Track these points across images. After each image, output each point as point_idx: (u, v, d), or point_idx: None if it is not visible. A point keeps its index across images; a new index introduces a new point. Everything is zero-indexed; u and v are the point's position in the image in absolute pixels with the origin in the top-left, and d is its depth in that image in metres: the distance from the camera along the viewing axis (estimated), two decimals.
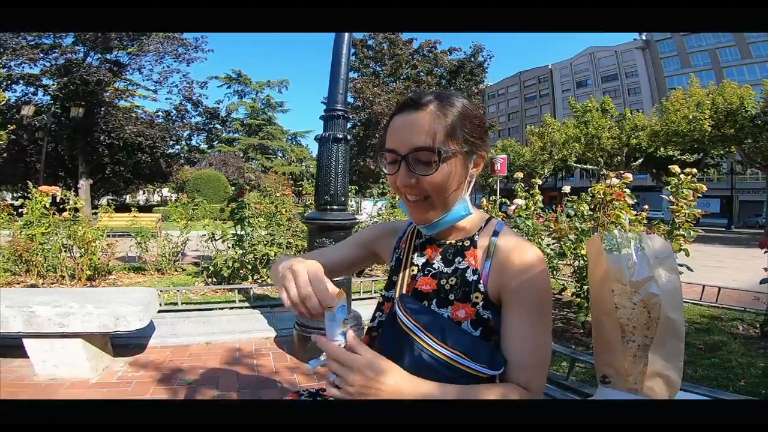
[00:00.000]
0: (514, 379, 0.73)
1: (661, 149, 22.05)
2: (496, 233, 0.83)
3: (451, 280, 0.81)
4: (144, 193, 34.37)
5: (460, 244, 0.84)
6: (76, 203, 4.61)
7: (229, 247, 4.70)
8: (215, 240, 4.73)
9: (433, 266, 0.85)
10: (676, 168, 3.34)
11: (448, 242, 0.86)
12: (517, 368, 0.73)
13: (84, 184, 19.01)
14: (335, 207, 2.69)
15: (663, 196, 3.43)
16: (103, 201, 24.76)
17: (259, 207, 4.65)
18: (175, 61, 21.22)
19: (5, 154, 16.97)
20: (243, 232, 4.49)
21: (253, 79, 40.60)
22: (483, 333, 0.77)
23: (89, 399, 2.14)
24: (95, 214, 6.66)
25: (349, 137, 2.83)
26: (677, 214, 3.11)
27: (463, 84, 25.04)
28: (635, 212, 3.38)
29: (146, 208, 22.45)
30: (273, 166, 34.57)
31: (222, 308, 3.63)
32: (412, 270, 0.88)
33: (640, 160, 25.03)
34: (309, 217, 2.84)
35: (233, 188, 4.64)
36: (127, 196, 30.92)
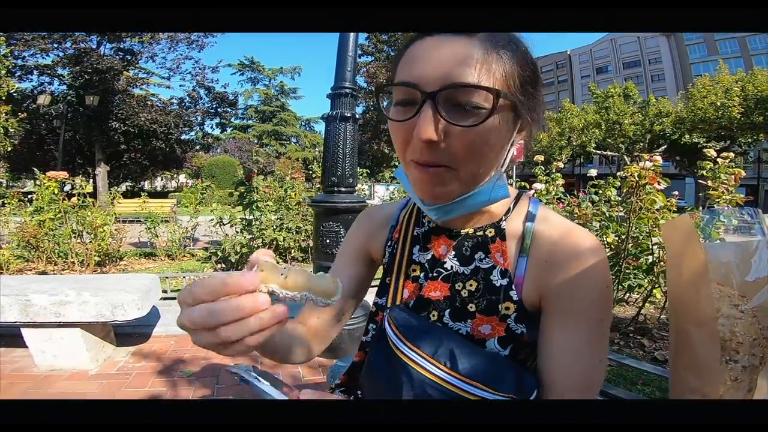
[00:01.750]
0: None
1: (686, 136, 21.36)
2: (531, 217, 0.61)
3: (470, 285, 0.60)
4: (161, 180, 34.99)
5: (482, 234, 0.62)
6: (83, 188, 4.56)
7: (237, 232, 4.59)
8: (224, 225, 4.62)
9: (444, 265, 0.63)
10: (711, 152, 3.08)
11: (464, 231, 0.63)
12: (560, 395, 0.54)
13: (101, 170, 19.41)
14: (343, 189, 2.54)
15: (703, 179, 3.14)
16: (122, 187, 25.41)
17: (268, 191, 4.51)
18: (187, 48, 21.22)
19: (22, 142, 17.46)
20: (251, 217, 4.37)
21: (266, 66, 40.90)
22: (513, 351, 0.57)
23: (88, 399, 2.08)
24: (113, 200, 6.67)
25: (357, 116, 2.66)
26: (716, 200, 2.84)
27: None
28: (666, 198, 3.14)
29: (162, 194, 22.81)
30: (287, 151, 34.93)
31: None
32: (413, 270, 0.66)
33: (663, 147, 24.18)
34: (316, 200, 2.69)
35: (242, 173, 4.49)
36: (145, 183, 31.59)
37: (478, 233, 0.62)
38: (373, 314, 0.71)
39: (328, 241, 2.61)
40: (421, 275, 0.65)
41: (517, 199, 0.64)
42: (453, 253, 0.63)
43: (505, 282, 0.58)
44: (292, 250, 4.75)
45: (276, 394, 0.50)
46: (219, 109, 24.08)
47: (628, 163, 3.00)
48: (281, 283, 0.39)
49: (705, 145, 19.99)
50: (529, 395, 0.52)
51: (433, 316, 0.62)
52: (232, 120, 32.80)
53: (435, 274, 0.64)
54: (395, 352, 0.56)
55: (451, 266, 0.63)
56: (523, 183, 4.54)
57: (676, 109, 21.96)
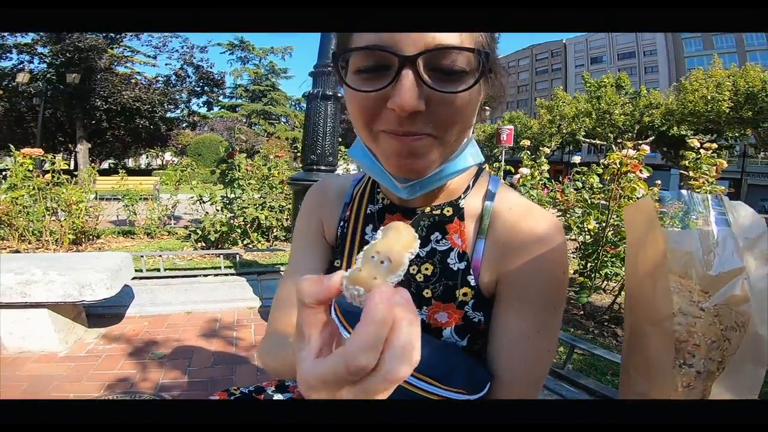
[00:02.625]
0: (502, 397, 0.52)
1: (675, 128, 21.63)
2: (491, 195, 0.57)
3: (426, 269, 0.56)
4: (146, 157, 34.39)
5: (439, 213, 0.57)
6: (58, 165, 4.39)
7: (217, 211, 4.49)
8: (203, 203, 4.51)
9: None
10: (695, 141, 3.08)
11: (421, 209, 0.58)
12: (508, 385, 0.52)
13: (82, 148, 19.22)
14: (322, 167, 2.48)
15: (683, 171, 3.15)
16: (105, 165, 25.01)
17: (251, 169, 4.40)
18: None
19: (1, 120, 17.04)
20: (233, 195, 4.26)
21: (257, 46, 40.20)
22: (471, 341, 0.54)
23: (78, 399, 2.00)
24: (91, 177, 6.48)
25: (339, 95, 2.58)
26: (697, 190, 2.84)
27: None
28: (649, 186, 3.14)
29: (147, 172, 22.47)
30: (276, 131, 34.58)
31: (206, 275, 3.46)
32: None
33: (651, 138, 24.43)
34: (294, 177, 2.63)
35: (223, 150, 4.36)
36: (129, 160, 31.10)
37: (435, 212, 0.57)
38: None
39: None
40: None
41: (477, 176, 0.60)
42: None
43: (462, 266, 0.55)
44: (275, 229, 4.68)
45: None
46: (206, 88, 23.62)
47: (625, 145, 2.97)
48: (393, 271, 0.30)
49: (692, 138, 20.36)
50: (481, 389, 0.50)
51: None
52: (219, 99, 32.22)
53: None
54: (341, 342, 0.50)
55: None
56: (508, 167, 4.51)
57: (667, 101, 22.19)
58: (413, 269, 0.57)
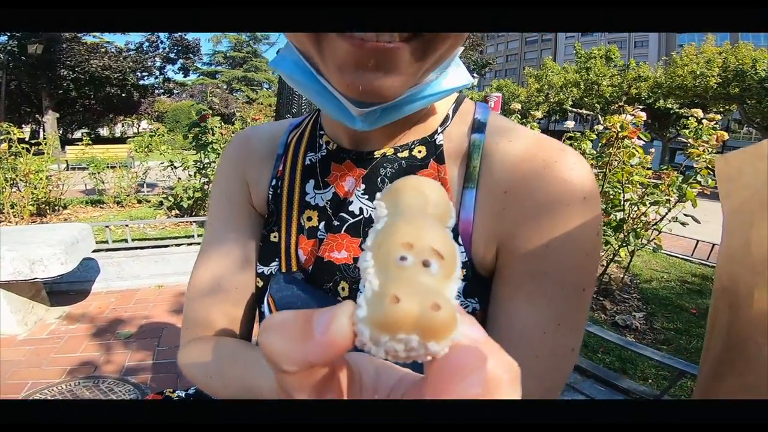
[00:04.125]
0: None
1: (661, 101, 21.87)
2: (479, 125, 0.40)
3: None
4: (122, 126, 33.27)
5: (406, 155, 0.41)
6: (14, 135, 4.04)
7: (190, 176, 4.23)
8: (174, 168, 4.23)
9: (351, 208, 0.41)
10: (698, 112, 2.99)
11: (379, 153, 0.41)
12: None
13: (49, 118, 18.69)
14: None
15: (681, 139, 3.04)
16: (78, 134, 24.30)
17: (226, 133, 4.11)
18: None
19: None
20: (207, 160, 4.00)
21: None
22: None
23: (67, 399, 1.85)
24: (53, 145, 6.08)
25: None
26: (696, 158, 2.75)
27: None
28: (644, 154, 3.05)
29: (122, 140, 21.94)
30: (258, 97, 33.92)
31: (179, 245, 3.24)
32: (308, 218, 0.44)
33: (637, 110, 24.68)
34: None
35: (195, 114, 4.04)
36: (104, 129, 30.23)
37: (400, 154, 0.40)
38: (259, 290, 0.46)
39: None
40: (321, 226, 0.42)
41: (458, 103, 0.42)
42: (363, 187, 0.41)
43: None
44: None
45: None
46: (180, 55, 22.73)
47: (626, 109, 2.83)
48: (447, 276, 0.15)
49: (677, 111, 20.79)
50: None
51: (343, 290, 0.40)
52: (196, 66, 31.03)
53: (338, 223, 0.41)
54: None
55: (361, 209, 0.40)
56: None
57: (655, 74, 22.47)
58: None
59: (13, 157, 4.07)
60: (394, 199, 0.17)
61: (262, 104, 21.32)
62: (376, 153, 0.41)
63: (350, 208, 0.41)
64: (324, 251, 0.41)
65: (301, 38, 0.33)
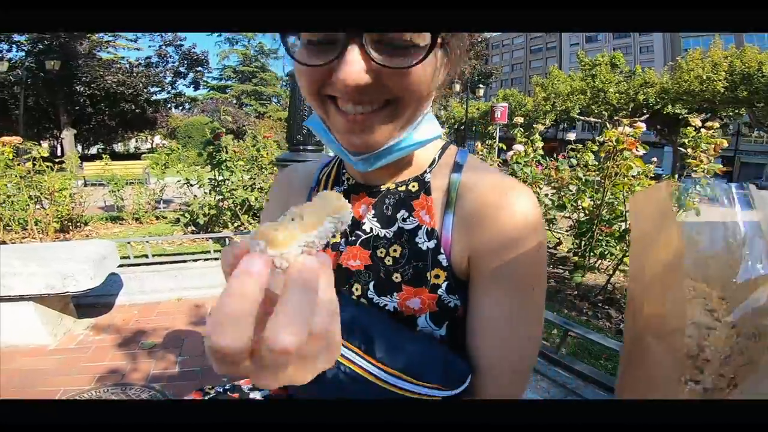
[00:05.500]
0: (483, 390, 0.48)
1: (669, 107, 21.71)
2: (458, 167, 0.53)
3: (394, 250, 0.52)
4: (136, 141, 33.94)
5: (403, 189, 0.54)
6: (39, 153, 4.25)
7: (206, 193, 4.40)
8: (191, 186, 4.41)
9: (363, 228, 0.54)
10: (696, 121, 3.04)
11: (385, 187, 0.54)
12: (489, 375, 0.48)
13: (67, 134, 19.17)
14: (309, 147, 2.42)
15: (683, 149, 3.11)
16: (93, 150, 24.68)
17: (239, 150, 4.28)
18: None
19: None
20: (221, 177, 4.17)
21: None
22: (450, 329, 0.50)
23: (73, 399, 1.96)
24: (75, 163, 6.32)
25: None
26: (695, 168, 2.81)
27: None
28: (645, 164, 3.11)
29: (136, 156, 22.27)
30: (267, 111, 34.29)
31: (196, 260, 3.39)
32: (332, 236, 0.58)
33: (645, 116, 24.48)
34: (280, 158, 2.56)
35: (209, 132, 4.23)
36: (119, 145, 30.76)
37: (399, 188, 0.54)
38: None
39: None
40: (341, 241, 0.55)
41: (443, 149, 0.56)
42: (372, 212, 0.54)
43: (432, 244, 0.50)
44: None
45: None
46: (190, 69, 23.16)
47: (622, 122, 2.93)
48: (304, 230, 0.27)
49: (686, 116, 20.54)
50: (460, 384, 0.46)
51: (356, 290, 0.52)
52: (206, 80, 31.66)
53: (353, 239, 0.54)
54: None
55: (371, 228, 0.53)
56: (500, 144, 4.45)
57: (662, 80, 22.28)
58: (381, 252, 0.52)
59: (37, 175, 4.28)
60: (315, 197, 0.29)
61: (271, 117, 21.72)
62: (382, 187, 0.54)
63: (363, 227, 0.54)
64: (343, 260, 0.54)
65: (316, 108, 0.47)
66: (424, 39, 0.40)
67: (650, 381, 0.37)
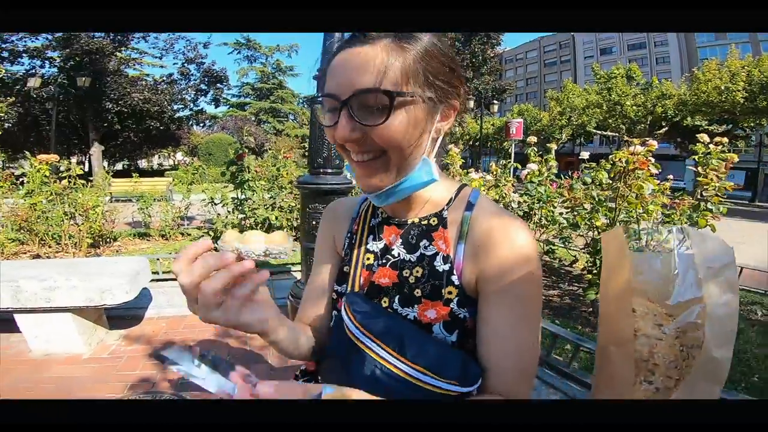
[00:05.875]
0: (492, 388, 0.57)
1: (688, 119, 21.30)
2: (470, 206, 0.65)
3: (416, 271, 0.64)
4: (159, 158, 34.86)
5: (425, 222, 0.66)
6: (74, 171, 4.52)
7: (229, 212, 4.59)
8: (215, 204, 4.61)
9: (393, 253, 0.67)
10: (705, 137, 3.05)
11: (410, 221, 0.68)
12: (496, 375, 0.57)
13: (95, 150, 19.50)
14: (329, 170, 2.52)
15: (689, 167, 3.14)
16: (119, 166, 25.37)
17: (260, 170, 4.48)
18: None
19: (16, 124, 17.33)
20: (243, 196, 4.36)
21: (263, 44, 40.31)
22: (460, 337, 0.61)
23: (80, 399, 2.10)
24: (106, 181, 6.61)
25: None
26: (705, 186, 2.83)
27: (478, 47, 23.95)
28: (658, 182, 3.12)
29: (159, 173, 22.81)
30: (285, 128, 34.82)
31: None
32: (367, 258, 0.70)
33: (664, 129, 24.08)
34: (301, 181, 2.68)
35: (233, 153, 4.44)
36: (143, 161, 31.51)
37: (422, 222, 0.66)
38: (334, 301, 0.75)
39: (314, 222, 2.60)
40: (375, 263, 0.69)
41: (459, 190, 0.68)
42: (400, 241, 0.67)
43: (447, 267, 0.61)
44: (285, 229, 4.76)
45: (213, 386, 0.45)
46: (211, 86, 23.63)
47: (632, 142, 2.98)
48: (241, 240, 0.48)
49: (707, 128, 20.05)
50: (475, 382, 0.56)
51: (384, 302, 0.65)
52: (226, 97, 32.37)
53: (384, 261, 0.67)
54: (349, 336, 0.61)
55: (398, 253, 0.66)
56: (515, 164, 4.52)
57: (680, 91, 21.88)
58: (406, 272, 0.64)
59: (71, 192, 4.53)
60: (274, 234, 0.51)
61: (288, 136, 22.23)
62: (408, 220, 0.67)
63: (392, 252, 0.67)
64: (375, 278, 0.67)
65: (344, 158, 0.63)
66: (384, 103, 0.53)
67: (613, 381, 0.48)
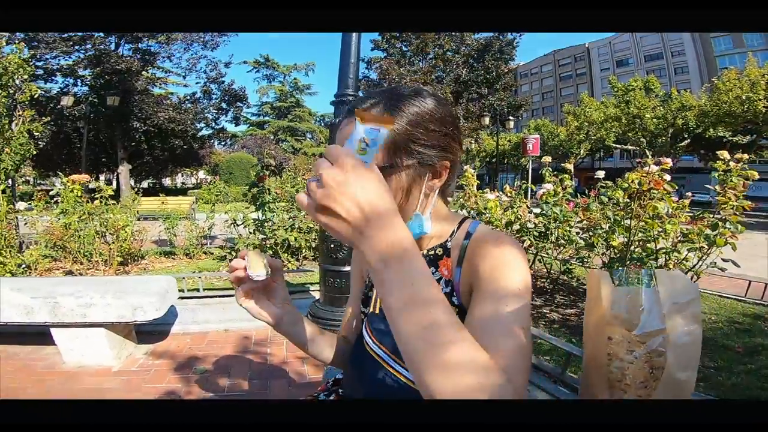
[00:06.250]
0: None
1: (711, 130, 20.80)
2: (468, 236, 0.72)
3: None
4: (181, 176, 35.78)
5: (432, 253, 0.75)
6: (105, 191, 4.78)
7: (250, 233, 4.75)
8: (237, 225, 4.79)
9: None
10: (725, 153, 3.03)
11: (422, 251, 0.77)
12: (493, 354, 0.56)
13: (123, 169, 19.98)
14: None
15: (708, 186, 3.13)
16: (144, 184, 26.04)
17: (280, 192, 4.65)
18: (202, 48, 21.65)
19: (49, 142, 17.95)
20: (264, 217, 4.52)
21: (281, 63, 41.26)
22: None
23: (90, 399, 2.19)
24: (134, 201, 6.91)
25: None
26: (723, 206, 2.82)
27: (491, 63, 24.11)
28: (675, 200, 3.11)
29: (182, 191, 23.37)
30: (302, 147, 35.27)
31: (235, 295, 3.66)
32: None
33: (686, 141, 23.58)
34: None
35: (254, 174, 4.63)
36: (167, 180, 32.31)
37: (430, 253, 0.76)
38: (362, 321, 0.87)
39: (332, 245, 2.70)
40: None
41: (461, 222, 0.77)
42: None
43: (448, 290, 0.70)
44: (303, 250, 4.89)
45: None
46: (231, 105, 24.02)
47: (649, 157, 2.99)
48: (248, 266, 0.71)
49: (730, 139, 19.51)
50: None
51: None
52: (246, 115, 32.99)
53: None
54: (367, 349, 0.74)
55: None
56: (530, 185, 4.55)
57: (700, 102, 21.42)
58: None
59: (103, 212, 4.77)
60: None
61: (305, 154, 22.71)
62: (422, 252, 0.76)
63: None
64: None
65: None
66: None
67: (593, 396, 0.55)
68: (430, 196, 0.69)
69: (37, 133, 5.50)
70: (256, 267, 0.70)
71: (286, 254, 4.52)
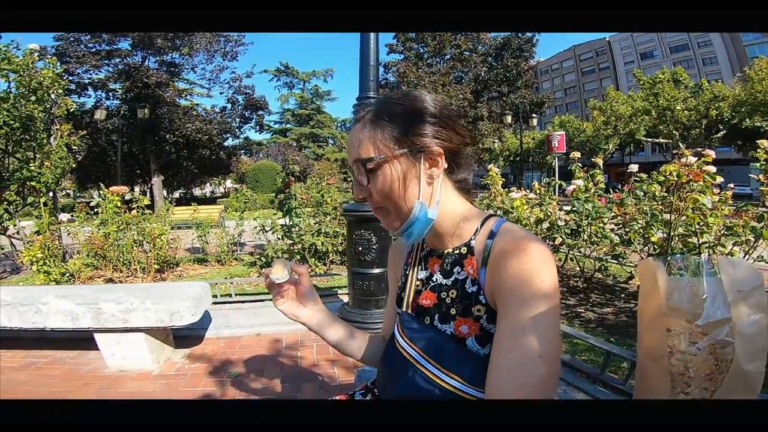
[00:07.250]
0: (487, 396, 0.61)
1: (747, 120, 19.77)
2: (492, 235, 0.71)
3: (452, 293, 0.74)
4: (210, 186, 36.83)
5: (458, 252, 0.76)
6: (141, 202, 4.98)
7: (278, 238, 4.83)
8: (266, 231, 4.89)
9: (434, 278, 0.79)
10: (765, 143, 2.88)
11: (446, 251, 0.79)
12: (491, 384, 0.59)
13: (156, 180, 20.69)
14: None
15: (751, 175, 2.97)
16: (176, 194, 26.92)
17: (305, 198, 4.72)
18: (223, 59, 22.19)
19: (85, 156, 18.73)
20: (291, 223, 4.59)
21: (300, 70, 41.83)
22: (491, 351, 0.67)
23: (100, 399, 2.25)
24: (168, 210, 7.18)
25: None
26: (767, 195, 2.67)
27: (510, 61, 23.75)
28: (718, 192, 2.95)
29: (211, 200, 24.03)
30: (325, 153, 35.63)
31: (272, 299, 3.73)
32: (417, 285, 0.83)
33: (722, 132, 22.48)
34: (347, 209, 2.82)
35: (280, 181, 4.73)
36: (197, 189, 33.34)
37: (455, 252, 0.77)
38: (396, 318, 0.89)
39: (360, 248, 2.72)
40: (422, 288, 0.81)
41: (485, 220, 0.76)
42: (439, 268, 0.78)
43: (474, 288, 0.70)
44: (330, 254, 4.93)
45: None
46: (253, 114, 24.33)
47: (683, 149, 2.87)
48: (273, 272, 0.81)
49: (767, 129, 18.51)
50: None
51: (427, 319, 0.76)
52: (268, 123, 33.48)
53: (427, 286, 0.79)
54: (398, 348, 0.76)
55: (437, 279, 0.78)
56: (559, 181, 4.44)
57: (734, 92, 20.41)
58: (443, 294, 0.75)
59: (140, 222, 4.98)
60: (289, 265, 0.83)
61: (328, 160, 22.96)
62: (445, 251, 0.78)
63: (434, 278, 0.79)
64: (421, 300, 0.79)
65: None
66: (361, 172, 0.70)
67: (651, 392, 0.53)
68: (432, 184, 0.72)
69: (75, 147, 5.79)
70: (277, 271, 0.79)
71: (313, 258, 4.57)
